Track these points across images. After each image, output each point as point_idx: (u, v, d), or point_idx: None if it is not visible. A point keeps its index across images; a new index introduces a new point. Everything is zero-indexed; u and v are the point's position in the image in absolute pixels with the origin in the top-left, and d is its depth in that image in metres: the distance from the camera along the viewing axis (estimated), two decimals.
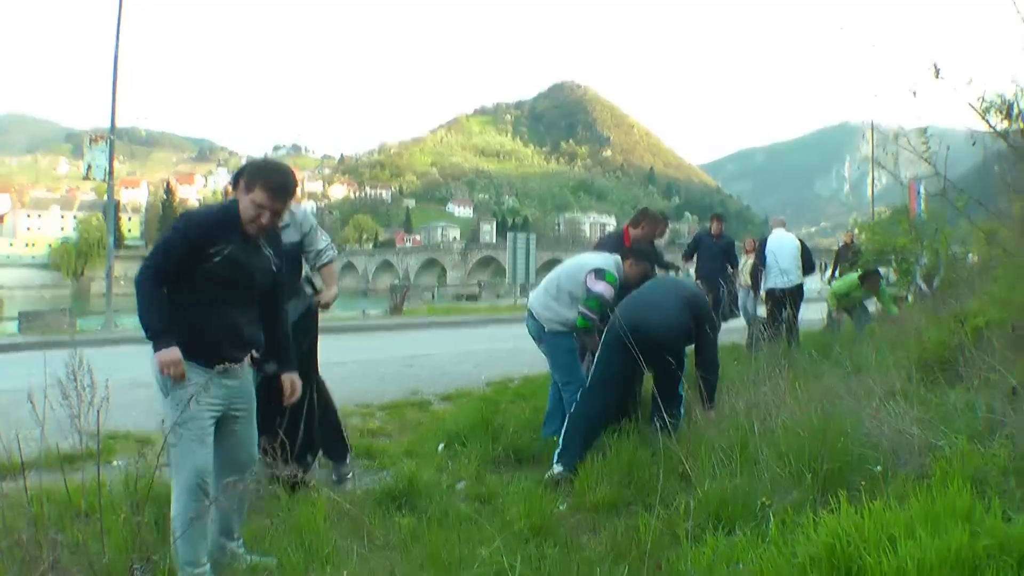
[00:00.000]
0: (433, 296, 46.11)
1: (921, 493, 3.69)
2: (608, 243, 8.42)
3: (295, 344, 5.90)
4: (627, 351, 6.25)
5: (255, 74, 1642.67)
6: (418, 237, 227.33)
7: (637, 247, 7.46)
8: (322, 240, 6.18)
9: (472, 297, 54.79)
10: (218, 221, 4.21)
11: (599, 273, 7.05)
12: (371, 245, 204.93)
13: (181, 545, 4.08)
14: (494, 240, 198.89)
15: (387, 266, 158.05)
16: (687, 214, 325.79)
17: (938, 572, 2.87)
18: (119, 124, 24.60)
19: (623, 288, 7.20)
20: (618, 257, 7.34)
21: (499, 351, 14.22)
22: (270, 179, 4.16)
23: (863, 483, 4.14)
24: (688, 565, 3.79)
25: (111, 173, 24.46)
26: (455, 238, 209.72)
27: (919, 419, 5.09)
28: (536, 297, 7.49)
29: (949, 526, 3.15)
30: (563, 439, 6.35)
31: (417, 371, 12.45)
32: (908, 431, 4.85)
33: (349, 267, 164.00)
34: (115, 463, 6.87)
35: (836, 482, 4.55)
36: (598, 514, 5.22)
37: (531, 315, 7.45)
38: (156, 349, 4.03)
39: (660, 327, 6.46)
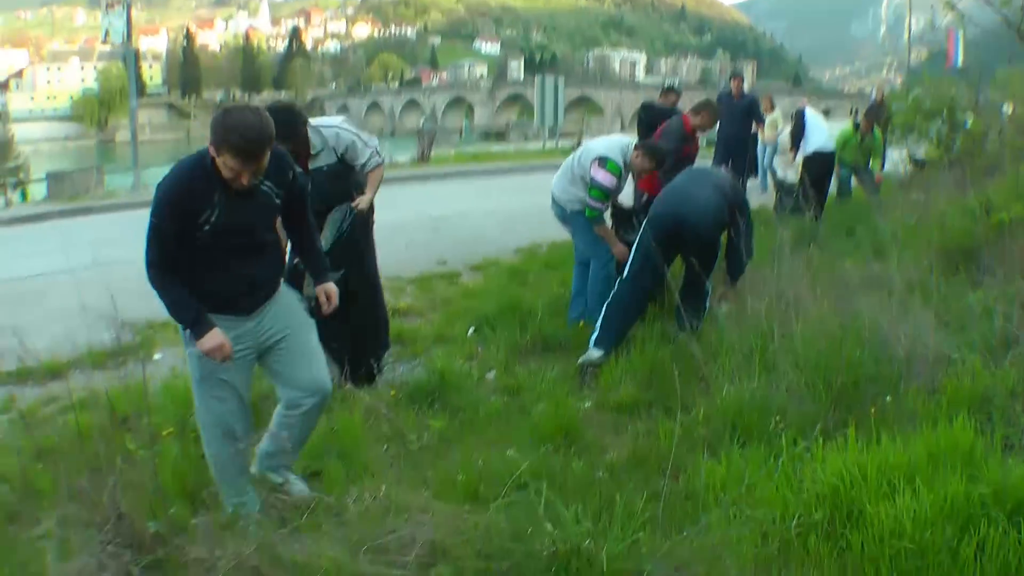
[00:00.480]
0: (461, 135, 46.21)
1: (927, 423, 3.89)
2: (672, 132, 8.53)
3: (350, 248, 5.98)
4: (665, 242, 6.41)
5: None
6: (444, 75, 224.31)
7: (650, 144, 7.42)
8: (364, 152, 6.03)
9: (500, 135, 54.97)
10: (194, 187, 3.76)
11: (602, 161, 7.10)
12: (397, 84, 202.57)
13: (220, 483, 4.20)
14: (522, 77, 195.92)
15: (413, 105, 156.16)
16: (719, 51, 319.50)
17: (932, 524, 3.03)
18: None
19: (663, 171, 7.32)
20: (630, 144, 7.37)
21: (526, 209, 14.11)
22: (235, 143, 3.59)
23: (873, 408, 4.27)
24: (702, 479, 3.97)
25: (129, 35, 24.15)
26: (482, 75, 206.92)
27: (936, 325, 5.18)
28: (556, 183, 7.60)
29: (949, 471, 3.29)
30: (601, 326, 6.52)
31: (444, 236, 12.59)
32: (924, 341, 4.93)
33: (375, 107, 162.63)
34: (156, 357, 7.08)
35: (850, 396, 4.74)
36: (620, 414, 5.45)
37: (554, 201, 7.55)
38: (197, 338, 3.84)
39: (700, 219, 6.59)
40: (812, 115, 12.87)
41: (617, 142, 7.38)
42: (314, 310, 4.45)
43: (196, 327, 3.83)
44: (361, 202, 6.12)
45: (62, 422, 5.65)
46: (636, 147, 7.27)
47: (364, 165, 6.08)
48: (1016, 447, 3.96)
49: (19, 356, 7.00)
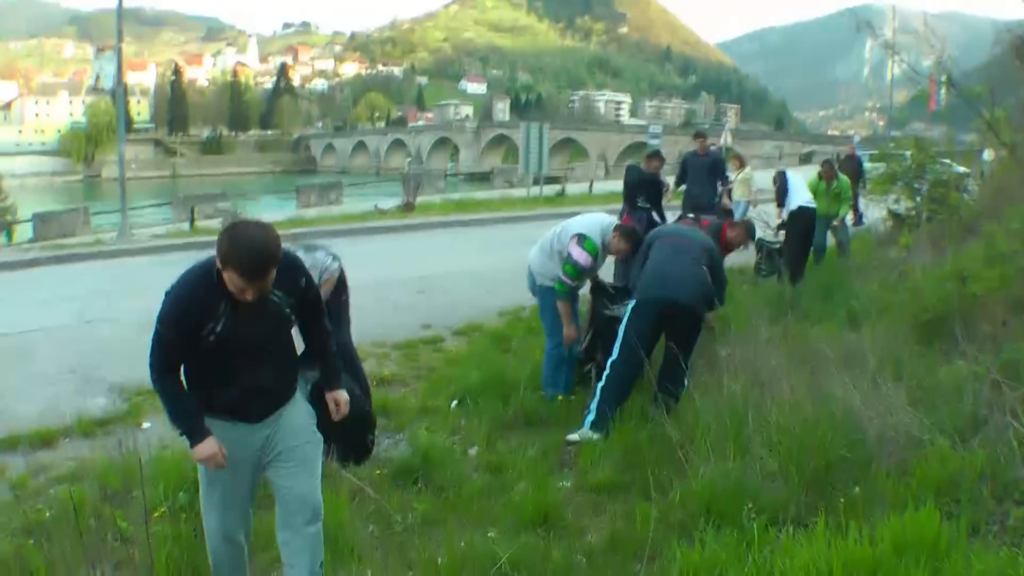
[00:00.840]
0: (445, 176, 46.86)
1: (895, 509, 4.07)
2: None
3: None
4: (653, 325, 6.69)
5: None
6: (431, 115, 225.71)
7: (626, 227, 7.63)
8: (312, 274, 6.28)
9: (485, 177, 55.99)
10: (201, 298, 3.74)
11: (581, 239, 7.26)
12: (383, 123, 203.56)
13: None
14: (507, 118, 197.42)
15: (399, 144, 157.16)
16: (703, 94, 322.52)
17: None
18: (125, 4, 24.44)
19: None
20: (610, 223, 7.55)
21: (510, 267, 14.24)
22: (240, 262, 3.58)
23: (842, 500, 4.43)
24: (677, 566, 4.16)
25: (120, 78, 24.30)
26: (468, 116, 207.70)
27: (908, 403, 5.36)
28: (533, 255, 7.79)
29: (913, 563, 3.45)
30: (597, 408, 6.69)
31: (429, 297, 12.72)
32: (895, 422, 5.12)
33: (360, 147, 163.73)
34: (145, 426, 7.20)
35: (822, 480, 4.92)
36: (600, 495, 5.58)
37: (529, 271, 7.80)
38: (192, 446, 3.86)
39: (688, 299, 6.76)
40: (793, 175, 13.10)
41: (598, 221, 7.52)
42: (312, 396, 4.48)
43: (191, 436, 3.84)
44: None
45: (53, 494, 5.75)
46: (615, 228, 7.44)
47: (318, 283, 6.30)
48: (982, 532, 4.14)
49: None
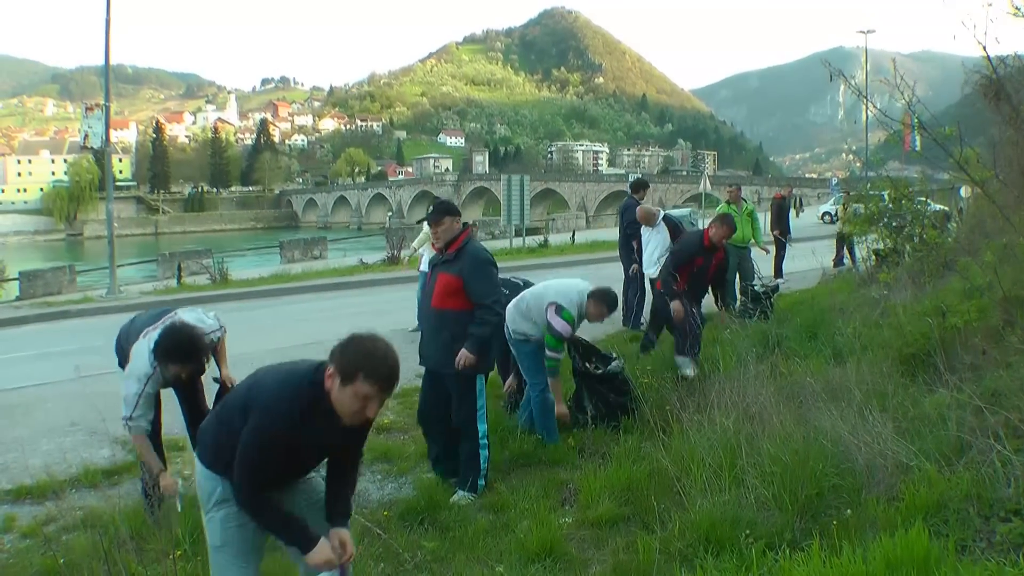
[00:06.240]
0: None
1: (886, 531, 4.24)
2: (690, 243, 9.57)
3: None
4: None
5: (241, 4, 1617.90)
6: (410, 169, 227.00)
7: (599, 291, 7.83)
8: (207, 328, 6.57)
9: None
10: (304, 413, 3.65)
11: (558, 309, 7.53)
12: (363, 178, 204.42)
13: None
14: (487, 170, 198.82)
15: (380, 199, 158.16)
16: (680, 141, 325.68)
17: None
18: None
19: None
20: (584, 289, 7.79)
21: None
22: (378, 373, 3.50)
23: (835, 523, 4.61)
24: None
25: (108, 138, 24.51)
26: (447, 169, 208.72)
27: (894, 433, 5.56)
28: (509, 310, 7.97)
29: None
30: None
31: None
32: (882, 450, 5.33)
33: (342, 201, 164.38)
34: None
35: (815, 506, 5.13)
36: (601, 529, 5.74)
37: (506, 325, 8.02)
38: (305, 552, 3.76)
39: None
40: None
41: (573, 288, 7.76)
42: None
43: (305, 543, 3.76)
44: (228, 380, 6.62)
45: (66, 541, 5.85)
46: (589, 296, 7.71)
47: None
48: (970, 548, 4.32)
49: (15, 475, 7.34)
